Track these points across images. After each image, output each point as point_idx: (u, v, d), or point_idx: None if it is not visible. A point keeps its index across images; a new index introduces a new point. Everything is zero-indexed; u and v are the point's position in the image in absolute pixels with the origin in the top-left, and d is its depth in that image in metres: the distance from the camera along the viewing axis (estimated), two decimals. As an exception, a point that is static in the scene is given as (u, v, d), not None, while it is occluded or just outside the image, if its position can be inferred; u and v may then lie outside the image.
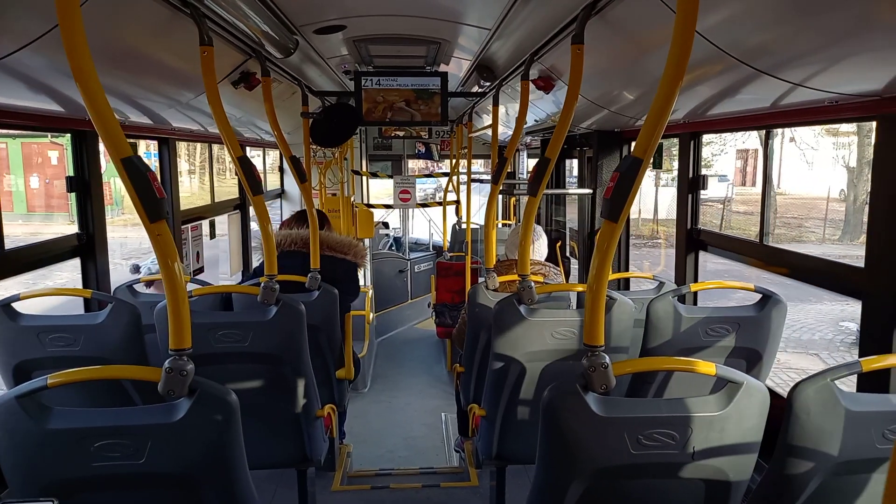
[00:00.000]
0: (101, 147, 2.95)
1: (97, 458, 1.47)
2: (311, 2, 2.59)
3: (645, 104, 2.92)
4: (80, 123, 2.74)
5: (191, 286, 2.71)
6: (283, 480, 3.42)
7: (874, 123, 2.02)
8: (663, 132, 1.39)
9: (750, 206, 21.15)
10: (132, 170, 1.38)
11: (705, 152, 19.86)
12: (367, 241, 7.55)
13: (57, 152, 17.54)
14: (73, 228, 2.99)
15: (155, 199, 1.40)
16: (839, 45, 1.54)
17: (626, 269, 4.36)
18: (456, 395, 3.97)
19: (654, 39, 2.04)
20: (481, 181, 6.99)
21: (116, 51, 2.02)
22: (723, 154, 21.77)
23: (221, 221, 5.14)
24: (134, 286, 3.15)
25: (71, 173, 2.94)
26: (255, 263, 5.36)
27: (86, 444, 1.46)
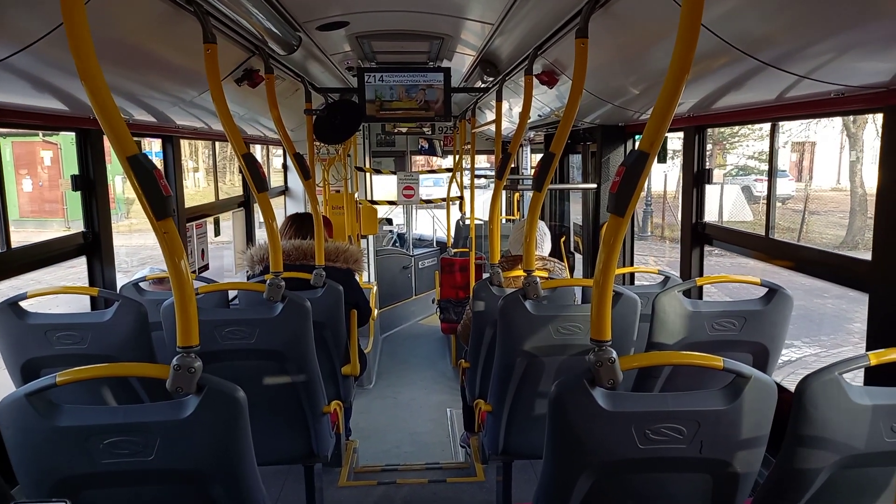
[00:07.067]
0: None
1: (107, 455, 1.48)
2: (314, -2, 2.58)
3: (649, 98, 2.91)
4: (84, 122, 2.74)
5: (196, 284, 2.71)
6: (291, 476, 3.44)
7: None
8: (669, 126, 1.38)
9: (810, 205, 18.04)
10: (138, 168, 1.38)
11: (761, 146, 18.31)
12: (370, 238, 7.55)
13: (50, 152, 16.22)
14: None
15: (161, 197, 1.40)
16: (845, 37, 1.53)
17: (632, 264, 4.36)
18: (461, 391, 3.98)
19: (658, 32, 2.03)
20: (485, 177, 6.95)
21: (120, 49, 2.02)
22: (783, 147, 18.80)
23: (227, 227, 5.12)
24: (140, 284, 3.16)
25: (75, 172, 2.94)
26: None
27: (95, 441, 1.47)
